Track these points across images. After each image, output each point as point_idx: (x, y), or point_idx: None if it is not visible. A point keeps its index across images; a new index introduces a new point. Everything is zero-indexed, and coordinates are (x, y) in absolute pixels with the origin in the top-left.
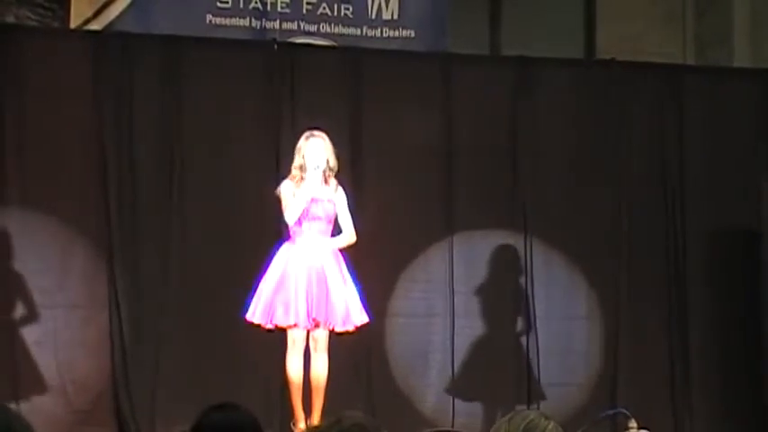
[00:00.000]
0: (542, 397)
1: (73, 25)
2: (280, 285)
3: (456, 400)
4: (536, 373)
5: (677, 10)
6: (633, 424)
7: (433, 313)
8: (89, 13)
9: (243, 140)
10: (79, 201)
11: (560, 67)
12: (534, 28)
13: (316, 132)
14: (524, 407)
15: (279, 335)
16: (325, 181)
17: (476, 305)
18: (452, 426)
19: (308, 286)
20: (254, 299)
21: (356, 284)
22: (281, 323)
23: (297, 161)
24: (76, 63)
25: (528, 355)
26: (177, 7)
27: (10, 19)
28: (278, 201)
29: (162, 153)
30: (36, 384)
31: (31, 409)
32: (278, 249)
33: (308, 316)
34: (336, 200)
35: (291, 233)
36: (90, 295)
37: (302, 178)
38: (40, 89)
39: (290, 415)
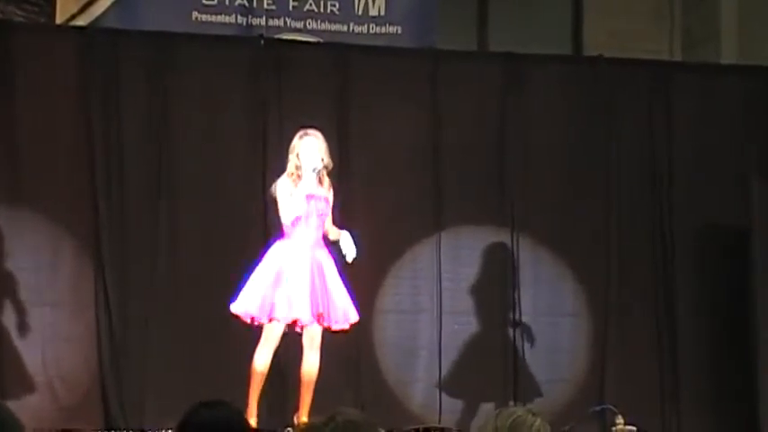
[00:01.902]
0: (538, 394)
1: (59, 21)
2: (278, 281)
3: (443, 396)
4: (527, 370)
5: (665, 6)
6: (620, 420)
7: (421, 309)
8: (75, 9)
9: (230, 137)
10: (67, 198)
11: (548, 64)
12: (522, 24)
13: (310, 131)
14: (512, 403)
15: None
16: (320, 181)
17: (463, 301)
18: (439, 422)
19: (311, 281)
20: (245, 293)
21: (344, 283)
22: (284, 317)
23: (292, 160)
24: (64, 59)
25: (515, 351)
26: (163, 4)
27: None
28: (273, 200)
29: (149, 149)
30: (23, 381)
31: (19, 405)
32: (269, 246)
33: (312, 310)
34: (330, 198)
35: (286, 230)
36: (78, 292)
37: (299, 177)
38: (27, 85)
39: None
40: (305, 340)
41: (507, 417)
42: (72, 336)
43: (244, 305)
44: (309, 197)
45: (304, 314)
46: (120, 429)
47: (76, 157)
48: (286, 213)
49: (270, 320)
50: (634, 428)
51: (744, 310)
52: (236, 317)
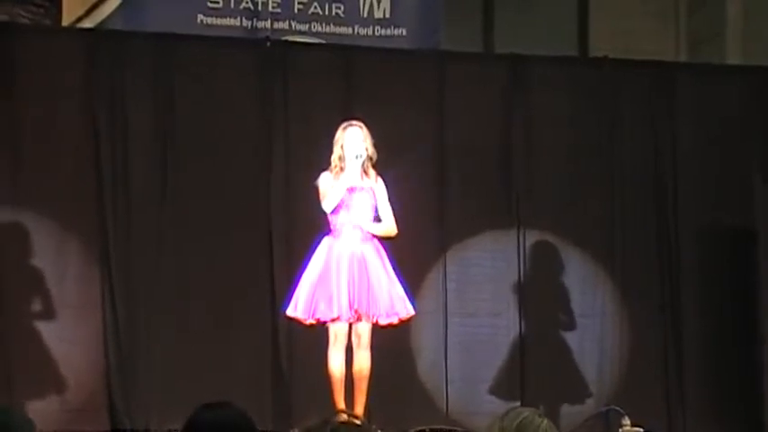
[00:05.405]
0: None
1: (65, 23)
2: (321, 279)
3: (449, 397)
4: (531, 373)
5: (669, 7)
6: (626, 421)
7: (427, 311)
8: (81, 12)
9: (235, 139)
10: (72, 200)
11: (553, 65)
12: (527, 25)
13: (354, 122)
14: (518, 404)
15: (268, 335)
16: (365, 172)
17: (468, 302)
18: (447, 422)
19: (349, 277)
20: (296, 293)
21: (398, 277)
22: (324, 317)
23: (336, 152)
24: (69, 61)
25: (522, 351)
26: (168, 7)
27: (2, 17)
28: (316, 192)
29: (155, 152)
30: (30, 383)
31: (26, 408)
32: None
33: (350, 307)
34: (377, 190)
35: (332, 226)
36: (84, 294)
37: (341, 169)
38: (33, 87)
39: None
40: (353, 338)
41: (514, 418)
42: (78, 338)
43: (295, 308)
44: (351, 190)
45: (343, 311)
46: (126, 431)
47: (82, 160)
48: (326, 203)
49: (316, 321)
50: (641, 430)
51: (748, 311)
52: (293, 319)
